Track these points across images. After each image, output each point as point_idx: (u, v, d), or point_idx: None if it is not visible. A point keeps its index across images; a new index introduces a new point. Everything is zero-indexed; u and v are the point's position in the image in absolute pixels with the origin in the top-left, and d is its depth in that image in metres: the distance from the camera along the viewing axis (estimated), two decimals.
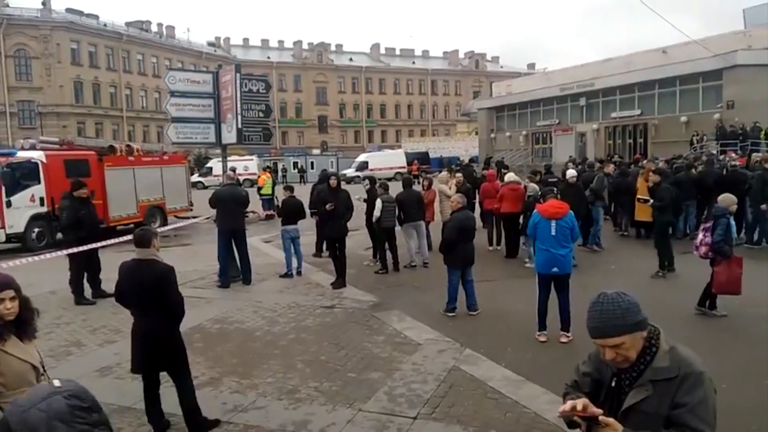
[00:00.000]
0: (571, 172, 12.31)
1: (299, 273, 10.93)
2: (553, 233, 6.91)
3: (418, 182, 13.25)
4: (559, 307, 6.95)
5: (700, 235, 7.60)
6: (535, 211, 7.44)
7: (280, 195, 11.22)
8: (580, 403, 2.06)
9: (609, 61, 38.11)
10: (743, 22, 42.00)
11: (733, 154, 17.45)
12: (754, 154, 16.19)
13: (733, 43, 29.41)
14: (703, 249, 7.41)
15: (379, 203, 10.88)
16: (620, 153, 30.64)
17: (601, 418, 2.03)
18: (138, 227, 5.13)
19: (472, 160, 27.41)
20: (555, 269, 6.93)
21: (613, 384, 2.24)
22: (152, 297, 4.59)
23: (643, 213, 11.99)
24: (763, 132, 24.97)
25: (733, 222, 7.31)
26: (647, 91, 33.55)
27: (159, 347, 4.68)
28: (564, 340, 6.86)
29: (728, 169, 13.75)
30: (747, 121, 25.68)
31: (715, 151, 22.38)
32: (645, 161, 16.80)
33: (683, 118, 30.66)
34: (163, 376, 4.87)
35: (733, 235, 7.25)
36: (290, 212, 10.88)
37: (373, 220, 11.01)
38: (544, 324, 7.00)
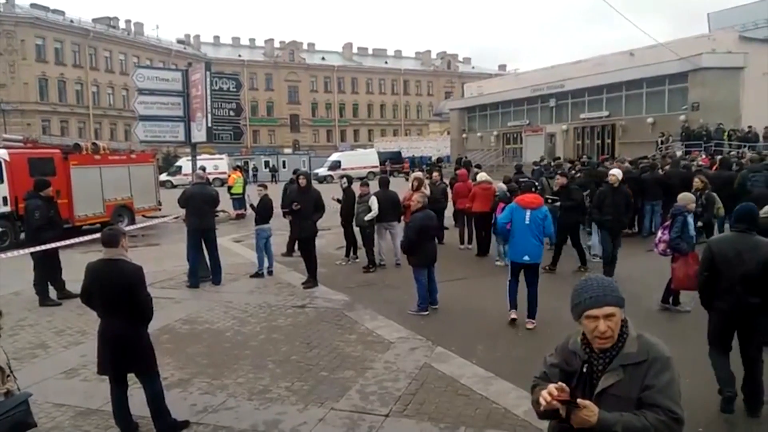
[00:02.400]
0: (616, 172, 9.67)
1: (270, 273, 10.86)
2: (527, 222, 7.31)
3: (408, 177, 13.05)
4: (528, 296, 7.32)
5: (659, 233, 7.85)
6: (513, 201, 7.91)
7: (253, 194, 11.10)
8: (557, 387, 2.14)
9: (578, 63, 38.78)
10: (707, 26, 43.12)
11: (702, 155, 17.87)
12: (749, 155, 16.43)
13: (698, 46, 30.21)
14: (661, 246, 7.63)
15: (374, 203, 10.89)
16: (589, 153, 31.18)
17: (579, 400, 2.12)
18: (105, 227, 5.04)
19: (439, 160, 27.44)
20: (526, 257, 7.31)
21: (585, 369, 2.34)
22: (120, 298, 4.51)
23: None
24: (726, 133, 25.66)
25: (690, 220, 7.49)
26: (615, 93, 34.25)
27: (126, 348, 4.59)
28: (530, 326, 7.22)
29: (690, 169, 14.07)
30: (711, 122, 26.38)
31: (680, 152, 22.93)
32: (609, 162, 17.07)
33: (650, 120, 31.37)
34: (131, 377, 4.80)
35: (690, 232, 7.43)
36: (265, 211, 10.81)
37: (366, 218, 10.94)
38: (514, 304, 7.48)
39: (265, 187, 11.30)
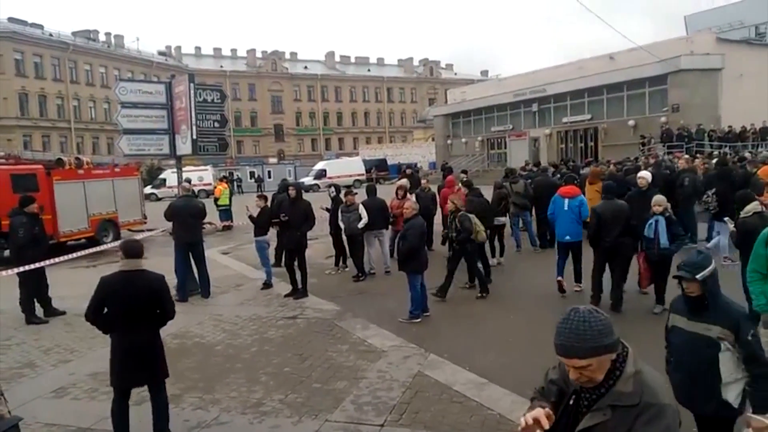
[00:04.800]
0: (646, 175, 9.67)
1: (271, 284, 10.77)
2: (566, 208, 9.04)
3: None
4: (574, 268, 9.07)
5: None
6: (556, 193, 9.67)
7: (252, 205, 11.03)
8: (533, 416, 2.02)
9: (560, 68, 39.16)
10: (685, 29, 43.84)
11: (685, 156, 18.04)
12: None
13: (677, 48, 30.66)
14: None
15: (363, 210, 10.90)
16: (572, 157, 31.45)
17: None
18: (90, 242, 5.03)
19: (409, 167, 26.66)
20: (567, 237, 8.99)
21: (572, 402, 2.12)
22: (146, 307, 4.58)
23: None
24: (706, 134, 26.00)
25: (659, 220, 7.58)
26: (596, 96, 34.59)
27: (152, 358, 4.66)
28: (577, 289, 9.04)
29: (673, 170, 14.18)
30: (691, 123, 26.74)
31: (661, 153, 23.19)
32: (592, 166, 17.20)
33: (631, 122, 31.74)
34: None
35: (660, 234, 7.53)
36: (265, 221, 10.73)
37: (360, 226, 10.93)
38: (561, 272, 8.98)
39: (266, 198, 11.22)
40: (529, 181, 14.10)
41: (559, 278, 8.95)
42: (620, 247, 7.87)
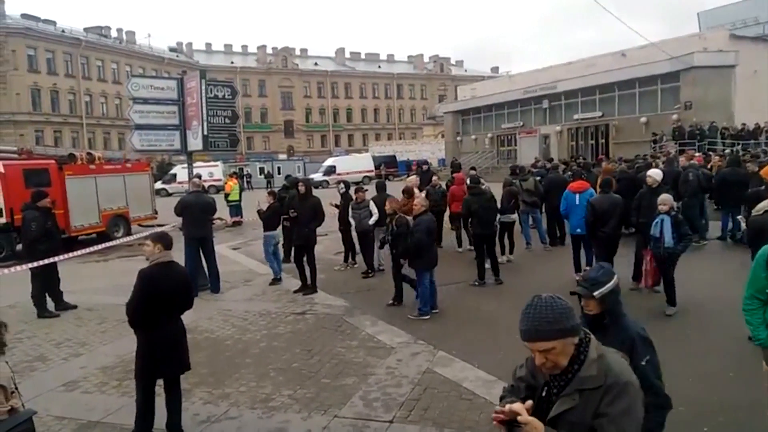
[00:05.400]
0: (654, 173, 9.21)
1: (279, 279, 10.80)
2: (577, 202, 9.44)
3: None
4: (586, 258, 9.42)
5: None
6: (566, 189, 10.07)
7: (254, 200, 11.07)
8: (499, 410, 2.04)
9: (570, 64, 38.91)
10: (698, 26, 43.39)
11: (696, 154, 17.90)
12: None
13: (689, 45, 30.37)
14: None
15: (374, 206, 10.88)
16: (583, 154, 31.25)
17: (519, 418, 1.99)
18: (101, 237, 5.11)
19: (420, 163, 26.35)
20: (579, 230, 9.34)
21: (544, 393, 2.19)
22: (184, 297, 4.77)
23: None
24: (719, 131, 25.74)
25: (665, 219, 7.53)
26: (608, 93, 34.32)
27: (183, 346, 4.82)
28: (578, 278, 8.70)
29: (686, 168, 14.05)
30: (703, 121, 26.49)
31: (673, 151, 23.00)
32: (603, 163, 17.08)
33: (643, 119, 31.45)
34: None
35: (665, 233, 7.49)
36: (273, 217, 10.75)
37: (370, 222, 10.94)
38: (578, 267, 9.43)
39: (275, 194, 11.24)
40: (540, 178, 14.04)
41: (578, 277, 8.79)
42: (616, 236, 8.52)
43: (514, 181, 12.61)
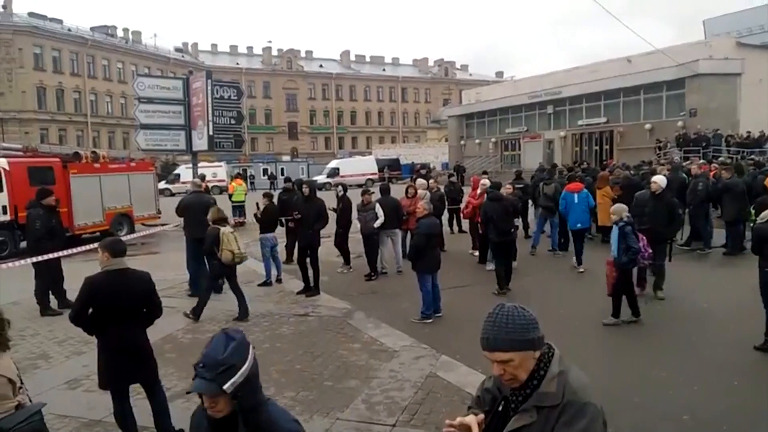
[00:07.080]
0: (659, 179, 9.12)
1: (279, 281, 10.81)
2: (576, 201, 10.71)
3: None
4: (576, 249, 10.90)
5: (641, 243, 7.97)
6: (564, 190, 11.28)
7: (255, 202, 11.09)
8: (451, 423, 2.02)
9: (575, 70, 38.87)
10: (704, 33, 43.34)
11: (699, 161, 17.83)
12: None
13: (695, 52, 30.30)
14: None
15: (380, 209, 10.88)
16: (587, 160, 31.21)
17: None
18: (105, 235, 5.05)
19: (419, 167, 26.37)
20: (578, 225, 10.72)
21: (500, 408, 2.10)
22: (137, 306, 4.56)
23: (606, 218, 12.13)
24: (723, 139, 25.68)
25: (613, 229, 7.60)
26: (613, 99, 34.30)
27: (138, 358, 4.60)
28: (581, 270, 10.60)
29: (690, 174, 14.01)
30: (708, 128, 26.43)
31: (677, 158, 22.94)
32: (607, 169, 17.06)
33: (648, 126, 31.42)
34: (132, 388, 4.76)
35: (612, 244, 7.55)
36: (270, 219, 10.76)
37: (376, 225, 10.93)
38: (580, 261, 10.75)
39: (271, 197, 11.26)
40: (541, 183, 14.03)
41: (579, 267, 10.58)
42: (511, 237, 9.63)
43: (538, 185, 12.71)
